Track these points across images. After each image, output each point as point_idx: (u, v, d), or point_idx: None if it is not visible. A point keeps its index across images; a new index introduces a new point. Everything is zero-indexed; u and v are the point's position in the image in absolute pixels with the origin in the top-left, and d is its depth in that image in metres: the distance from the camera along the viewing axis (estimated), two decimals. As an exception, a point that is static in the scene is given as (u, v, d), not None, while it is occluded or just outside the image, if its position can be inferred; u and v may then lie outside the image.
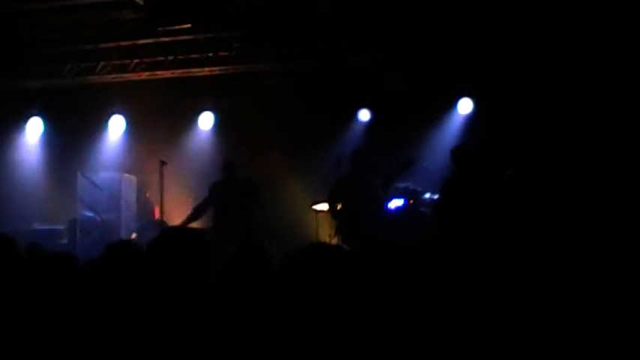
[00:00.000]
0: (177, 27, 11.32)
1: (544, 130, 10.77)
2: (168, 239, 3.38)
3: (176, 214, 10.99)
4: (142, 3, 10.65)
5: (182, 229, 3.55)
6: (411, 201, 10.52)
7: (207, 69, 12.10)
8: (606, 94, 10.39)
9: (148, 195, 12.43)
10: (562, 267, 3.96)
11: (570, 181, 10.22)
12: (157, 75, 12.32)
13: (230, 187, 10.37)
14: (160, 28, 11.36)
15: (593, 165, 10.28)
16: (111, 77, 12.51)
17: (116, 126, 13.01)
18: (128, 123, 12.98)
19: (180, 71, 12.19)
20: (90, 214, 12.13)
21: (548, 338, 3.31)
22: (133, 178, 12.67)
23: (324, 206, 10.61)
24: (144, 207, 12.47)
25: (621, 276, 4.06)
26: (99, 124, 13.03)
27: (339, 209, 9.85)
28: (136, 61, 12.25)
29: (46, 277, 3.53)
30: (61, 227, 12.40)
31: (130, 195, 12.52)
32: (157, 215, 11.67)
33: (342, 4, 10.69)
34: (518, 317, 3.42)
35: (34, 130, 13.29)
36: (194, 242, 3.35)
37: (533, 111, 10.87)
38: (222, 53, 11.85)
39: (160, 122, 12.49)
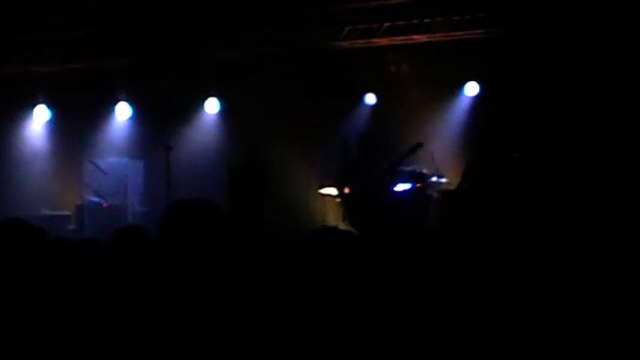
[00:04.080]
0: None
1: (550, 115, 10.74)
2: (181, 209, 3.40)
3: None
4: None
5: (193, 200, 3.53)
6: (418, 184, 10.50)
7: (212, 54, 12.09)
8: (617, 79, 10.35)
9: (154, 180, 12.43)
10: (574, 254, 3.95)
11: (577, 167, 10.20)
12: (162, 60, 12.30)
13: (247, 173, 10.46)
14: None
15: (600, 149, 10.26)
16: (116, 62, 12.49)
17: (122, 112, 13.00)
18: (134, 108, 12.97)
19: (185, 56, 12.18)
20: (97, 199, 12.15)
21: (559, 328, 3.31)
22: (140, 163, 12.66)
23: (331, 190, 10.63)
24: (150, 192, 12.47)
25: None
26: (105, 110, 13.01)
27: (347, 193, 9.87)
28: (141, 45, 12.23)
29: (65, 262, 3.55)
30: (69, 213, 12.43)
31: (136, 180, 12.53)
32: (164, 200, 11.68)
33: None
34: (529, 303, 3.42)
35: (40, 116, 13.29)
36: (207, 211, 3.37)
37: (539, 95, 10.84)
38: (227, 39, 11.85)
39: (165, 108, 12.48)
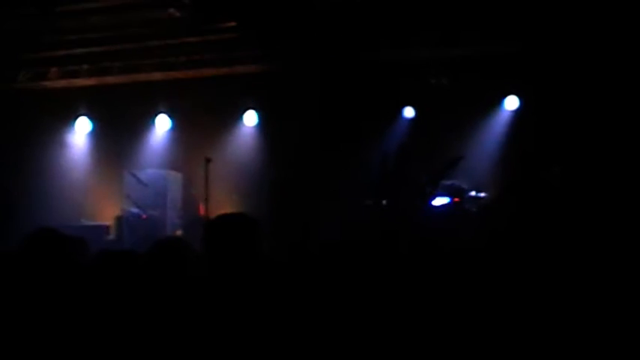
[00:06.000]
0: (222, 25, 11.38)
1: (591, 128, 10.63)
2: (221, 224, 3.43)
3: (221, 211, 11.01)
4: (187, 1, 10.72)
5: (233, 214, 3.58)
6: (457, 199, 10.44)
7: (252, 67, 12.15)
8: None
9: (193, 192, 12.50)
10: (616, 272, 3.87)
11: (618, 179, 10.07)
12: (202, 73, 12.40)
13: (288, 185, 10.55)
14: (204, 27, 11.43)
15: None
16: (157, 75, 12.62)
17: (162, 124, 13.12)
18: (173, 120, 13.08)
19: (225, 69, 12.26)
20: (136, 210, 12.24)
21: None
22: (179, 175, 12.75)
23: (370, 203, 10.60)
24: (189, 204, 12.54)
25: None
26: (145, 122, 13.15)
27: (385, 206, 9.84)
28: (181, 59, 12.34)
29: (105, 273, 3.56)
30: (108, 223, 12.54)
31: (175, 192, 12.60)
32: (202, 212, 11.74)
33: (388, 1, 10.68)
34: (571, 323, 3.37)
35: (81, 128, 13.47)
36: (246, 225, 3.39)
37: (579, 108, 10.74)
38: (267, 51, 11.89)
39: (205, 120, 12.56)
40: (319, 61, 11.87)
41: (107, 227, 12.48)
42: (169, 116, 13.08)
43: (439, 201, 10.29)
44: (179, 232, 11.97)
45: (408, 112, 12.09)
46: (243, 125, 12.89)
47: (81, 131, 13.51)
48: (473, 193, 10.61)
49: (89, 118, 13.40)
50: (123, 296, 3.41)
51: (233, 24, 11.32)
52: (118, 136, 12.99)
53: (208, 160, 10.94)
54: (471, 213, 10.43)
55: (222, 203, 11.35)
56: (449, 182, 10.32)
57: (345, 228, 11.24)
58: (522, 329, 3.28)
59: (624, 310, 3.43)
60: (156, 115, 13.08)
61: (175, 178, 12.70)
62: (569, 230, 8.24)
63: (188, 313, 3.16)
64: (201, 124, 12.58)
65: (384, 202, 9.84)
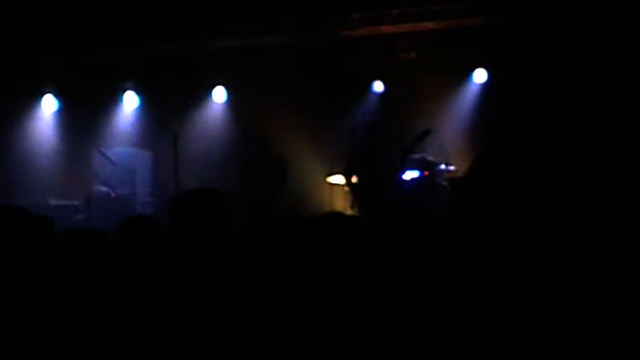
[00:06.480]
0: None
1: (559, 100, 10.69)
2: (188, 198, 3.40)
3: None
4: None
5: (200, 189, 3.54)
6: (426, 172, 10.47)
7: (221, 43, 12.05)
8: (628, 64, 10.30)
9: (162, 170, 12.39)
10: (585, 247, 3.89)
11: (587, 154, 10.14)
12: (169, 49, 12.27)
13: (263, 163, 10.57)
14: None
15: (611, 136, 10.20)
16: (124, 52, 12.47)
17: (130, 101, 12.98)
18: (141, 98, 12.95)
19: (193, 45, 12.14)
20: (105, 189, 12.13)
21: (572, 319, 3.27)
22: (148, 153, 12.65)
23: (339, 178, 10.61)
24: (158, 182, 12.44)
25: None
26: (112, 100, 12.99)
27: (355, 181, 9.84)
28: (149, 35, 12.19)
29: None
30: (77, 203, 12.41)
31: (144, 170, 12.51)
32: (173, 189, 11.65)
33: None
34: (537, 297, 3.38)
35: (48, 106, 13.27)
36: (212, 200, 3.37)
37: (548, 81, 10.79)
38: (234, 27, 11.80)
39: (173, 97, 12.45)
40: (287, 37, 11.81)
41: (76, 206, 12.35)
42: (137, 93, 12.94)
43: (409, 175, 10.31)
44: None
45: (378, 86, 12.09)
46: (212, 102, 12.80)
47: (48, 109, 13.32)
48: (442, 167, 10.64)
49: (55, 95, 13.21)
50: (89, 276, 3.37)
51: None
52: (86, 114, 12.81)
53: (177, 138, 10.87)
54: (441, 186, 10.47)
55: (192, 181, 11.27)
56: (417, 156, 10.35)
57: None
58: (496, 304, 3.29)
59: (595, 282, 3.46)
60: (123, 93, 12.94)
61: (144, 156, 12.60)
62: (539, 203, 8.30)
63: (157, 290, 3.13)
64: (169, 101, 12.47)
65: (354, 177, 9.84)
